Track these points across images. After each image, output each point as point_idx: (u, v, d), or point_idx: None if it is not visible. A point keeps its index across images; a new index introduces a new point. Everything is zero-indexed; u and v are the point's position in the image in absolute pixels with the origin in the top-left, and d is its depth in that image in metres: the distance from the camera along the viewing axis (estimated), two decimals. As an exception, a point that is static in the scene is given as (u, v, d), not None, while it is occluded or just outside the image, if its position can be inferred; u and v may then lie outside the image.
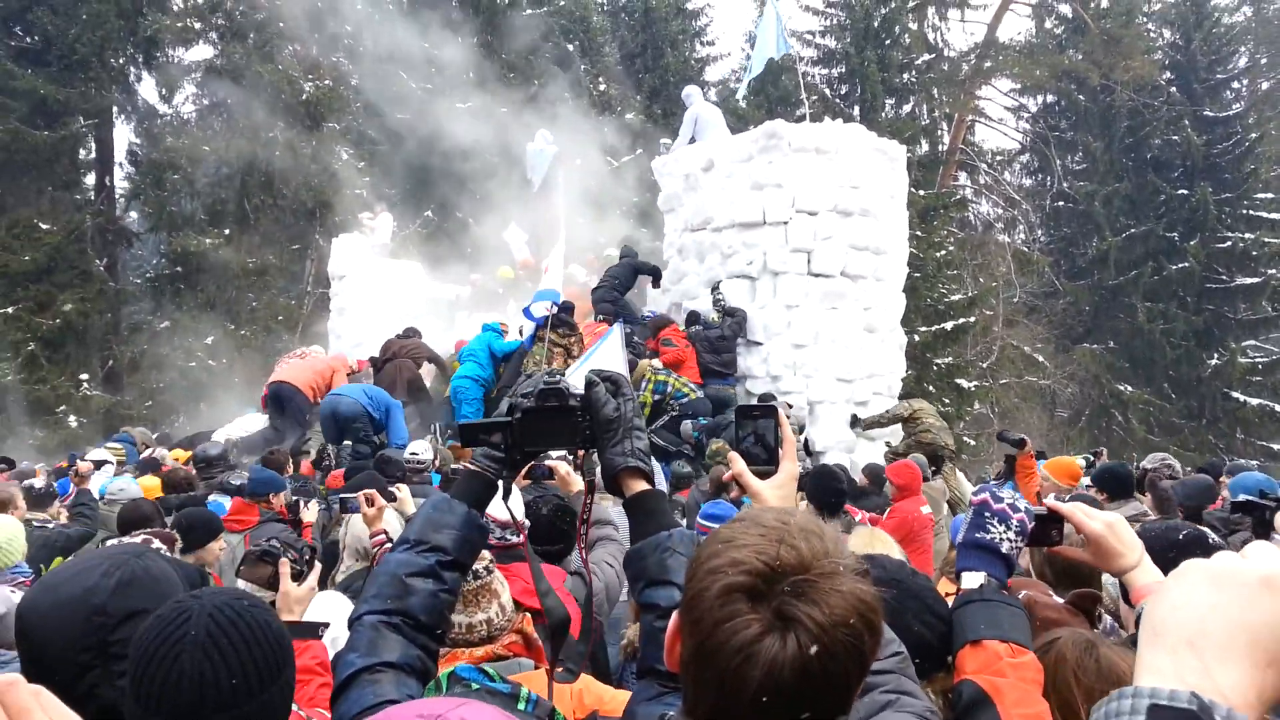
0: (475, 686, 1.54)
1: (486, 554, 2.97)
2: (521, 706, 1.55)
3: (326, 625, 2.80)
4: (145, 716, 1.46)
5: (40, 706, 0.94)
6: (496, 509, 3.48)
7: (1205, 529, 3.52)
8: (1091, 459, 9.75)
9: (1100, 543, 1.91)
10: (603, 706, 2.42)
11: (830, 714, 1.12)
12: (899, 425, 11.12)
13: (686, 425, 10.49)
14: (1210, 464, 9.03)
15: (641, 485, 1.78)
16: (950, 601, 2.04)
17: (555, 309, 11.73)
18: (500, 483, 1.88)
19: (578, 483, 4.26)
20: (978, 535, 1.97)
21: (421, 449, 7.77)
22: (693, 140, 13.91)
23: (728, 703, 1.09)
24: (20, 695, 0.92)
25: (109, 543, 5.28)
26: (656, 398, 10.79)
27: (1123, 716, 0.81)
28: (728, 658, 1.07)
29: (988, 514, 1.97)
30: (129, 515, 5.15)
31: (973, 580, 1.94)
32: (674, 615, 1.23)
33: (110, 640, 1.62)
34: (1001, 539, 1.95)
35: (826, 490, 6.15)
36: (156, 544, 3.77)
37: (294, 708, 2.33)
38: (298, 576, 2.75)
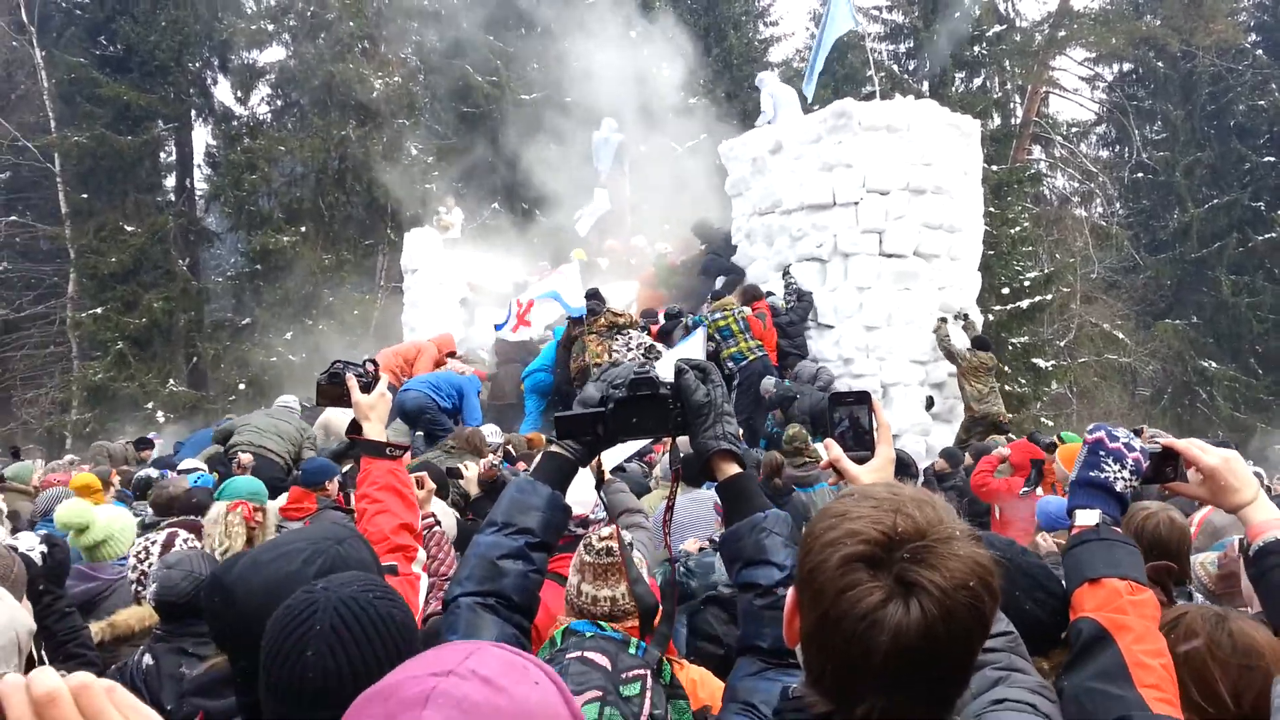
0: (589, 635, 1.61)
1: (626, 535, 3.03)
2: (632, 651, 1.61)
3: (405, 448, 2.84)
4: (273, 705, 1.51)
5: (115, 705, 0.92)
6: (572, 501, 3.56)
7: None
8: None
9: (1215, 478, 1.89)
10: (715, 703, 2.47)
11: (953, 676, 1.15)
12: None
13: (767, 381, 10.40)
14: None
15: (734, 468, 1.81)
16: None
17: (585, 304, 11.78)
18: (583, 466, 1.92)
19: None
20: (1092, 474, 1.94)
21: (490, 431, 7.88)
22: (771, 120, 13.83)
23: (854, 670, 1.12)
24: (95, 697, 0.90)
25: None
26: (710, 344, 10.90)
27: None
28: (852, 625, 1.10)
29: (1103, 452, 1.94)
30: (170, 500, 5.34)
31: (1088, 518, 1.91)
32: (790, 591, 1.26)
33: None
34: (1116, 477, 1.92)
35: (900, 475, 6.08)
36: (183, 534, 3.82)
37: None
38: (366, 388, 2.77)
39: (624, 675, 1.58)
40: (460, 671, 0.98)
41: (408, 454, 2.90)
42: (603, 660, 1.70)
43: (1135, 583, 1.79)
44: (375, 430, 2.76)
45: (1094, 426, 2.02)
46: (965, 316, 11.92)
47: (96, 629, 3.52)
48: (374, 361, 2.99)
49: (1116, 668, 1.66)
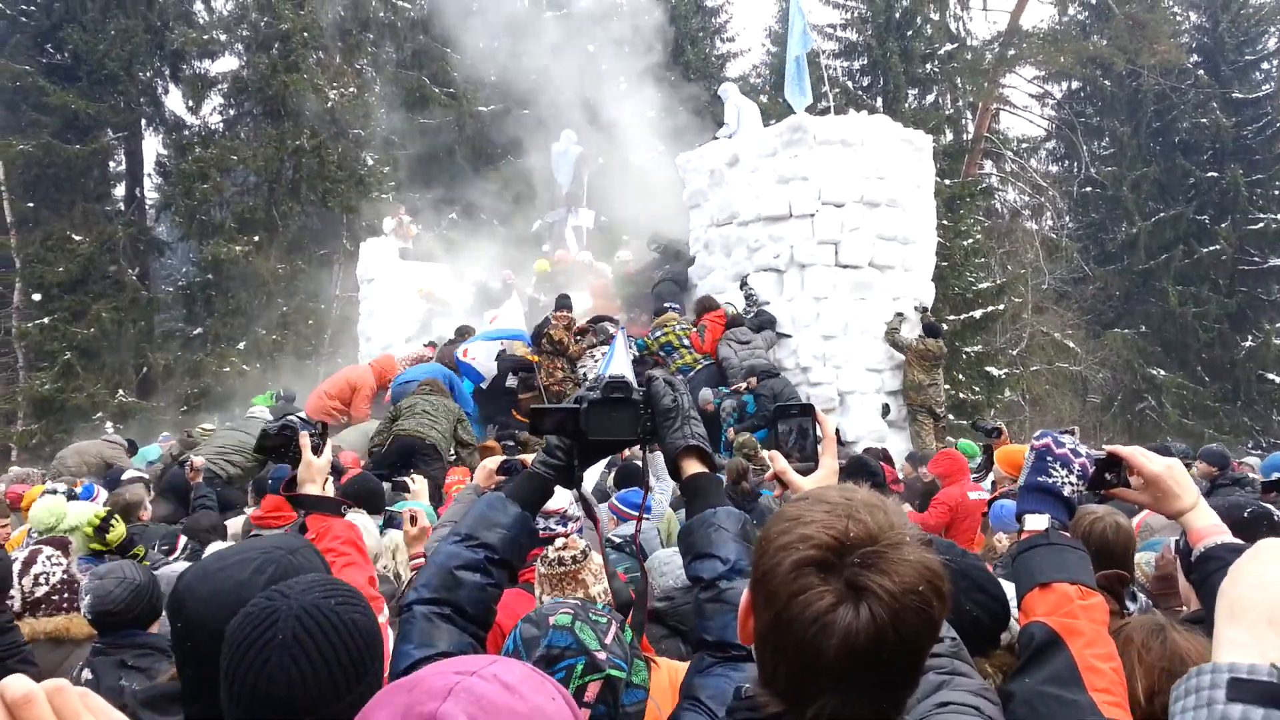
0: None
1: (581, 542, 3.05)
2: (599, 606, 1.65)
3: (349, 505, 2.82)
4: (237, 712, 1.48)
5: (88, 709, 0.93)
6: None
7: (1270, 506, 3.51)
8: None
9: (1158, 484, 1.93)
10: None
11: (903, 678, 1.18)
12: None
13: (706, 392, 10.51)
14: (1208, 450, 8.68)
15: (697, 467, 1.85)
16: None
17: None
18: (557, 481, 1.94)
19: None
20: (1040, 479, 1.98)
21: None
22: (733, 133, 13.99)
23: (806, 671, 1.14)
24: (69, 700, 0.91)
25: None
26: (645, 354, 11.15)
27: (1203, 691, 0.82)
28: (803, 628, 1.12)
29: (1050, 458, 1.98)
30: None
31: (1037, 522, 1.94)
32: (746, 592, 1.28)
33: None
34: (1064, 482, 1.96)
35: (860, 478, 6.14)
36: (47, 550, 3.79)
37: None
38: (316, 450, 2.77)
39: (593, 611, 1.63)
40: (484, 675, 1.02)
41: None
42: (575, 602, 1.75)
43: (1085, 587, 1.81)
44: (318, 490, 2.76)
45: (1040, 433, 2.06)
46: (925, 310, 12.09)
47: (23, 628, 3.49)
48: (323, 423, 2.97)
49: (1068, 672, 1.68)
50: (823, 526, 1.15)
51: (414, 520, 4.02)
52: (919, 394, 11.56)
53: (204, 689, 1.66)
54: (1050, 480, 1.97)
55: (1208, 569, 1.81)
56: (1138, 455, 1.97)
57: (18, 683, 0.87)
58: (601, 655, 1.55)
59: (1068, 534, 1.95)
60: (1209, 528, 1.88)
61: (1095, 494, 2.05)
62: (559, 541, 3.31)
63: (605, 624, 1.62)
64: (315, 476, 2.74)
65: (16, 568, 3.55)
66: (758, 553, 1.22)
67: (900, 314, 11.81)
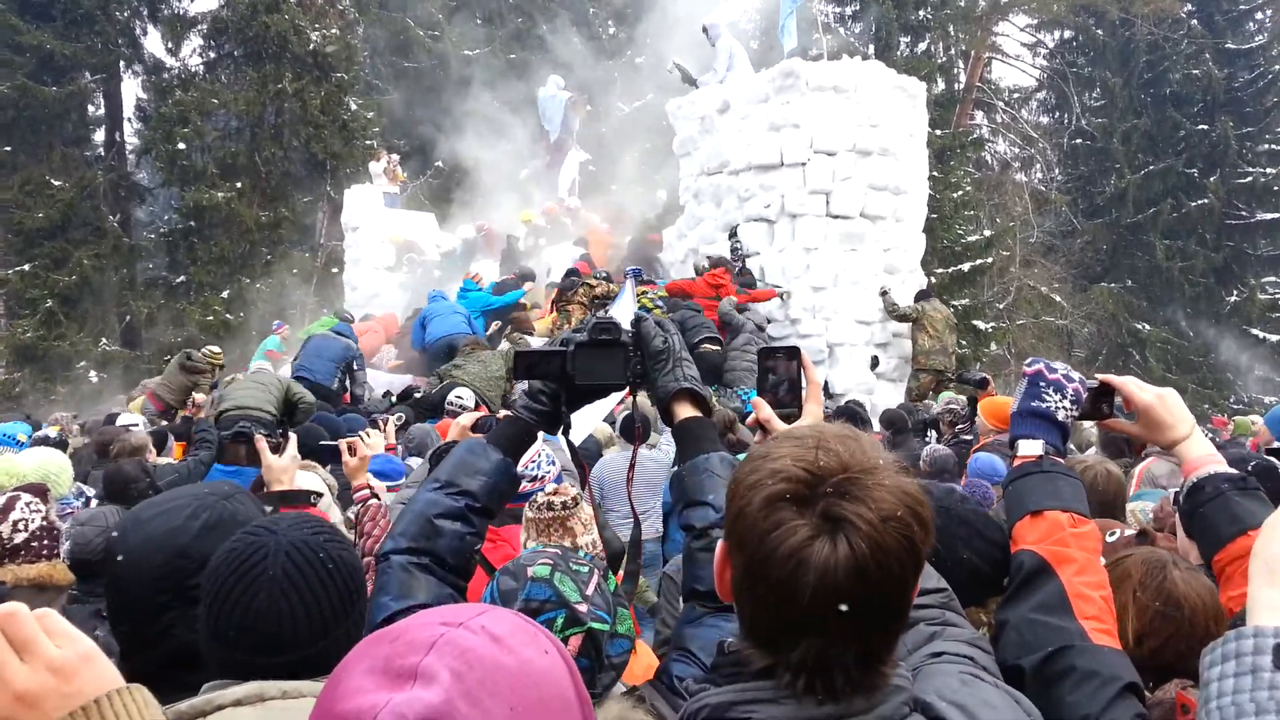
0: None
1: (572, 490, 3.00)
2: (582, 555, 1.61)
3: (320, 494, 2.84)
4: (219, 650, 1.47)
5: (47, 630, 0.93)
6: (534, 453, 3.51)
7: (1275, 461, 3.50)
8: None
9: (1150, 413, 1.88)
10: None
11: (891, 613, 1.12)
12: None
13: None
14: None
15: (689, 411, 1.79)
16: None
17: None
18: (541, 429, 1.88)
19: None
20: (1034, 404, 1.93)
21: (466, 395, 7.79)
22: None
23: (785, 615, 1.09)
24: (23, 625, 0.91)
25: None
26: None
27: (1245, 657, 0.77)
28: (779, 567, 1.07)
29: (1043, 383, 1.94)
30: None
31: (1031, 448, 1.90)
32: (720, 543, 1.22)
33: (189, 584, 1.62)
34: (1057, 407, 1.92)
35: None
36: (25, 497, 3.75)
37: None
38: (276, 449, 2.76)
39: (573, 560, 1.58)
40: (471, 626, 0.97)
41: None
42: (554, 552, 1.70)
43: (1077, 515, 1.78)
44: (285, 488, 2.78)
45: (1032, 360, 2.02)
46: (886, 292, 11.88)
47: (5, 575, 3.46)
48: (282, 424, 2.96)
49: (1057, 599, 1.66)
50: (793, 460, 1.10)
51: (352, 450, 3.97)
52: (926, 357, 11.44)
53: (142, 640, 1.63)
54: (1044, 405, 1.92)
55: (1199, 499, 1.76)
56: (1130, 384, 1.93)
57: None
58: (583, 608, 1.50)
59: (1061, 460, 1.91)
60: (1203, 458, 1.84)
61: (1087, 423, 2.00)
62: (550, 486, 3.26)
63: (587, 574, 1.57)
64: (280, 477, 2.75)
65: None
66: (729, 497, 1.17)
67: (884, 288, 11.73)
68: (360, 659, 0.96)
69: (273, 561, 1.47)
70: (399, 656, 0.93)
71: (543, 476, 3.56)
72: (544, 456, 3.67)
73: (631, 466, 2.08)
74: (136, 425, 7.37)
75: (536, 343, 10.43)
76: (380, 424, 7.94)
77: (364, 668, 0.94)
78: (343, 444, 4.10)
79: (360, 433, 4.64)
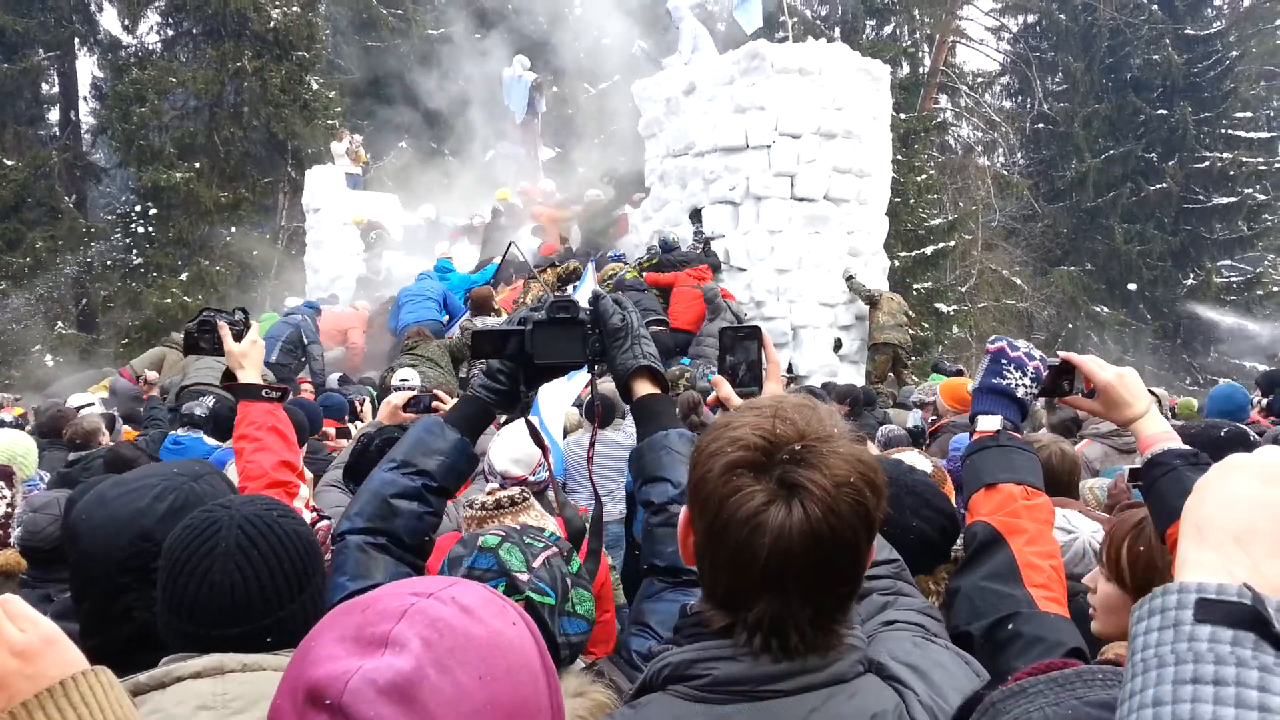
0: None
1: (515, 490, 2.97)
2: (547, 534, 1.62)
3: (279, 391, 2.82)
4: (177, 624, 1.48)
5: (9, 615, 0.94)
6: (500, 457, 3.48)
7: (1245, 427, 3.56)
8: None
9: (1109, 391, 1.91)
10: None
11: (844, 575, 1.15)
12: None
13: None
14: None
15: (648, 388, 1.80)
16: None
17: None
18: (501, 412, 1.88)
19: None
20: (994, 381, 1.98)
21: (411, 376, 7.74)
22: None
23: (741, 577, 1.13)
24: None
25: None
26: None
27: (1169, 612, 0.79)
28: (736, 530, 1.11)
29: (1005, 360, 1.98)
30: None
31: (989, 423, 1.95)
32: (683, 509, 1.25)
33: (152, 567, 1.60)
34: (1017, 384, 1.97)
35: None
36: None
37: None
38: (238, 336, 2.75)
39: (529, 535, 1.59)
40: (441, 597, 0.99)
41: (286, 397, 2.89)
42: (512, 526, 1.72)
43: (1031, 487, 1.83)
44: (250, 377, 2.72)
45: (995, 338, 2.06)
46: (851, 276, 12.01)
47: None
48: (243, 310, 2.93)
49: (1007, 568, 1.71)
50: (751, 428, 1.14)
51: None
52: (879, 332, 11.56)
53: (102, 620, 1.63)
54: (1005, 382, 1.97)
55: (1154, 474, 1.79)
56: (1090, 362, 1.96)
57: None
58: (524, 577, 1.50)
59: (1019, 435, 1.96)
60: (1158, 434, 1.86)
61: (1048, 401, 2.04)
62: (489, 486, 3.23)
63: (539, 548, 1.57)
64: (241, 362, 2.72)
65: None
66: (691, 465, 1.21)
67: (848, 272, 11.83)
68: (331, 627, 0.98)
69: (226, 535, 1.48)
70: (370, 625, 0.95)
71: (543, 480, 3.53)
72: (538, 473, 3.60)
73: (591, 445, 2.07)
74: (92, 405, 7.25)
75: (495, 323, 10.43)
76: (358, 404, 7.91)
77: (335, 636, 0.96)
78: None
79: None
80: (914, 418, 8.18)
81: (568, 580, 1.57)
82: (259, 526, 1.51)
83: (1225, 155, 28.26)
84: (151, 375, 6.98)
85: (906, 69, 27.62)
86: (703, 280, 11.12)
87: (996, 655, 1.57)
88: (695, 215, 12.19)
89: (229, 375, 2.76)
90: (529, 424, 2.02)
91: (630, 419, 5.52)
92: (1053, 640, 1.56)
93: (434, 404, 3.81)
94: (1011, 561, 1.71)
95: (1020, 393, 1.97)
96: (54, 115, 25.41)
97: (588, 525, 1.88)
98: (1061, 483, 3.86)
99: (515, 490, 2.93)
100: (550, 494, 3.44)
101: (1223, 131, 28.86)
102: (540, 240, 14.67)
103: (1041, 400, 2.20)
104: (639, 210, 13.87)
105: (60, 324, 22.41)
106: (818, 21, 27.72)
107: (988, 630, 1.62)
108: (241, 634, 1.45)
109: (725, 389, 1.87)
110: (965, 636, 1.63)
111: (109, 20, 24.77)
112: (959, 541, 2.33)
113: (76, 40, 24.34)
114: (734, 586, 1.14)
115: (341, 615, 0.99)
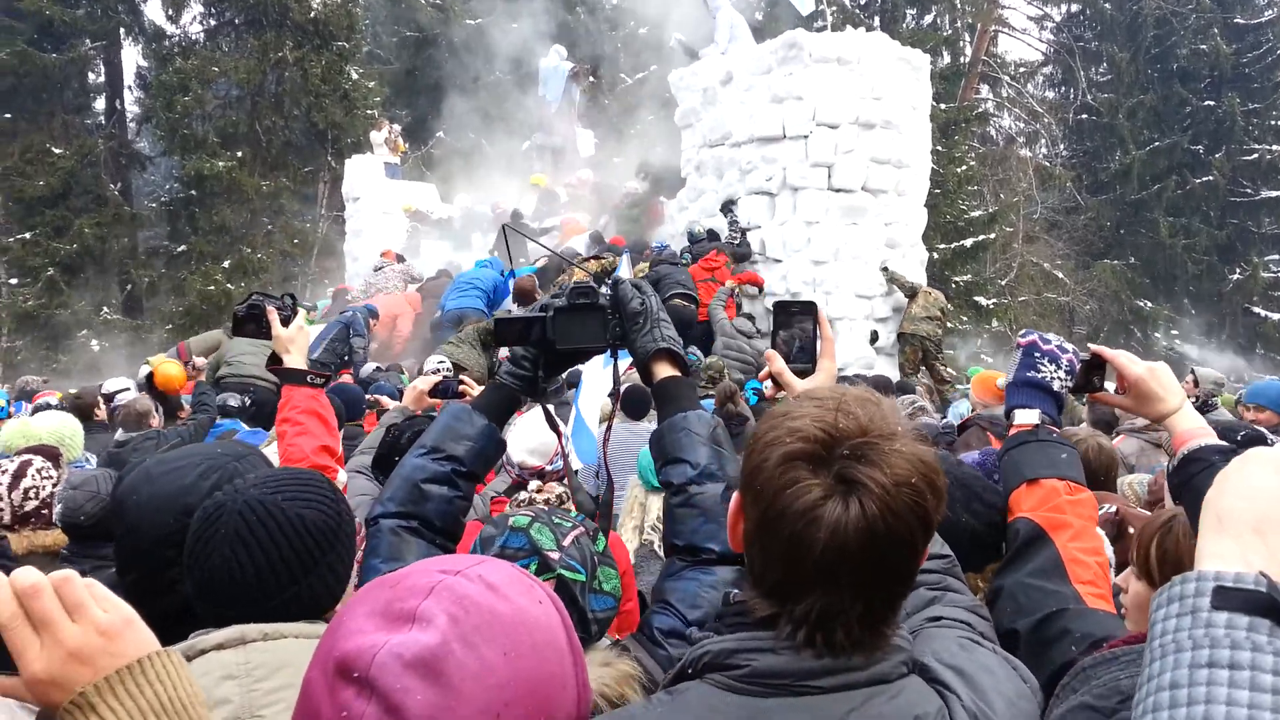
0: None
1: (558, 489, 3.03)
2: (573, 514, 1.65)
3: (325, 374, 2.88)
4: (198, 603, 1.56)
5: (94, 599, 1.01)
6: (517, 448, 3.52)
7: (1263, 430, 3.52)
8: None
9: (1141, 386, 1.89)
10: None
11: (897, 574, 1.15)
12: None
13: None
14: None
15: (669, 371, 1.83)
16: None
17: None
18: (532, 402, 1.96)
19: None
20: (1029, 374, 1.97)
21: (445, 360, 7.82)
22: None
23: (794, 569, 1.12)
24: (75, 589, 0.99)
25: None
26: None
27: (1187, 599, 0.80)
28: (791, 523, 1.10)
29: (1038, 354, 1.97)
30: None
31: (1027, 417, 1.94)
32: (735, 495, 1.25)
33: None
34: (1052, 377, 1.95)
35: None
36: (38, 461, 3.74)
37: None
38: (285, 322, 2.82)
39: (557, 515, 1.64)
40: (468, 574, 1.01)
41: (329, 383, 2.96)
42: (541, 508, 1.76)
43: (1073, 482, 1.81)
44: (295, 362, 2.79)
45: (1026, 331, 2.05)
46: (886, 268, 11.90)
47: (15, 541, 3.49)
48: (292, 295, 2.99)
49: (1052, 564, 1.69)
50: (812, 420, 1.13)
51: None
52: (911, 323, 11.45)
53: (144, 592, 1.67)
54: (1040, 375, 1.96)
55: (1190, 471, 1.78)
56: (1121, 357, 1.95)
57: (26, 574, 0.96)
58: (555, 555, 1.54)
59: (1057, 430, 1.94)
60: (1193, 430, 1.85)
61: (1079, 396, 2.03)
62: (534, 484, 3.29)
63: (568, 527, 1.60)
64: (288, 347, 2.79)
65: (6, 480, 3.54)
66: (747, 451, 1.20)
67: (884, 264, 11.73)
68: (361, 603, 1.01)
69: (227, 520, 1.54)
70: (399, 600, 0.97)
71: (559, 469, 3.56)
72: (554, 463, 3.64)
73: (608, 430, 2.12)
74: (128, 390, 7.40)
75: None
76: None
77: (365, 611, 0.98)
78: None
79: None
80: (959, 413, 8.05)
81: (595, 558, 1.60)
82: (258, 512, 1.55)
83: (1275, 148, 27.69)
84: (200, 361, 7.11)
85: (947, 58, 27.31)
86: (715, 271, 11.09)
87: (1044, 653, 1.55)
88: (726, 207, 12.13)
89: (275, 359, 2.82)
90: (546, 412, 2.05)
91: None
92: (1102, 637, 1.53)
93: (461, 389, 3.85)
94: (1057, 557, 1.70)
95: (1056, 386, 1.95)
96: (100, 104, 25.83)
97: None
98: (1098, 478, 3.81)
99: (558, 492, 3.00)
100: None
101: (1273, 123, 28.29)
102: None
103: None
104: (675, 200, 13.84)
105: (106, 309, 22.83)
106: (857, 11, 27.48)
107: (1035, 627, 1.61)
108: (247, 615, 1.51)
109: (778, 363, 1.86)
110: (1010, 634, 1.62)
111: (153, 10, 25.14)
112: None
113: (122, 30, 24.70)
114: (784, 579, 1.13)
115: (372, 591, 1.02)
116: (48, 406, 6.85)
